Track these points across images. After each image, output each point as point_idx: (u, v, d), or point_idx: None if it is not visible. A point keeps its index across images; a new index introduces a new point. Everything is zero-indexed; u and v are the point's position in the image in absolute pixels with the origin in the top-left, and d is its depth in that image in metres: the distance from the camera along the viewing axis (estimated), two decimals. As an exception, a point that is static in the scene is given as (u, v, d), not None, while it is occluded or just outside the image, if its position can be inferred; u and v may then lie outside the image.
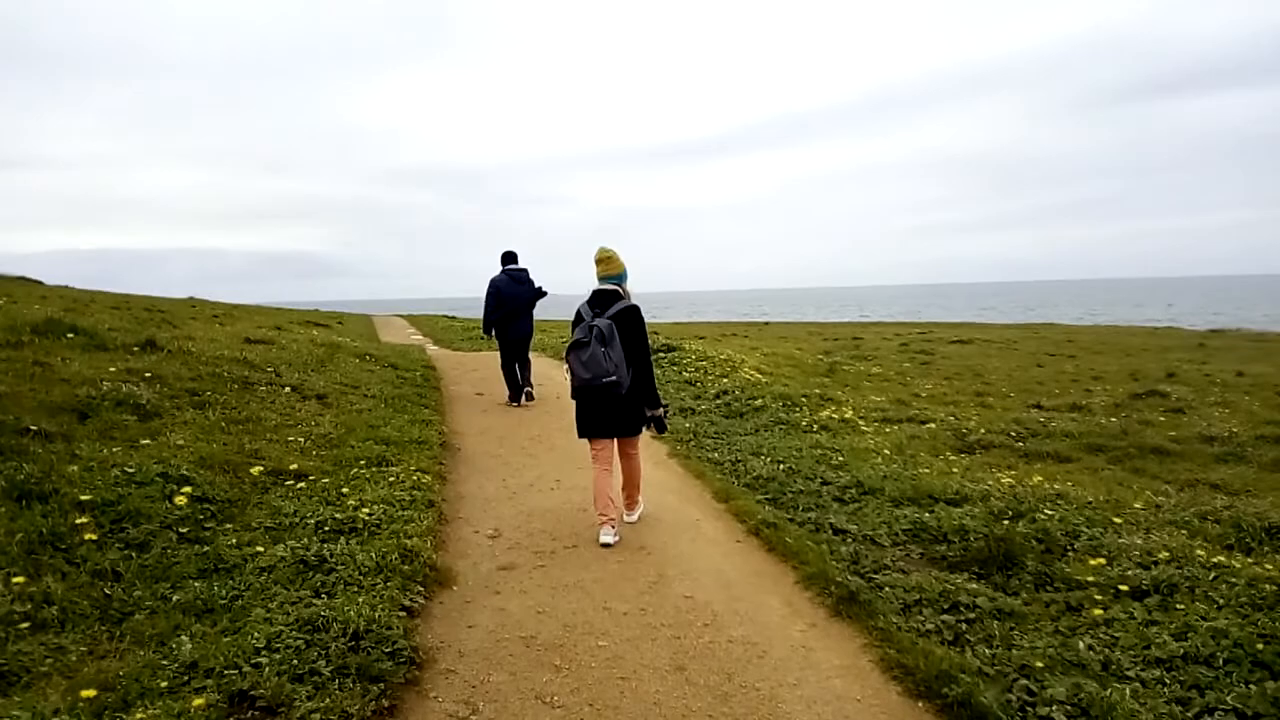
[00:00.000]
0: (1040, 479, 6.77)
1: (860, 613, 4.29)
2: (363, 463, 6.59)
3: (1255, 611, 4.00)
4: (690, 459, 7.86)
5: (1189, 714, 3.27)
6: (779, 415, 9.58)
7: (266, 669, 3.26)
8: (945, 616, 4.19)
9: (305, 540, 4.71)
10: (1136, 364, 18.70)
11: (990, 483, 6.52)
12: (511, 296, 10.75)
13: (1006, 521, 5.39)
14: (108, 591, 3.97)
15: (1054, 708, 3.28)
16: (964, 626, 4.09)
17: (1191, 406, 12.05)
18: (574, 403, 5.78)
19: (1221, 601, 4.16)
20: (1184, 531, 5.41)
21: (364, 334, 22.33)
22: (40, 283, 22.05)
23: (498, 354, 11.35)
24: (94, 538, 4.35)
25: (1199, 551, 4.81)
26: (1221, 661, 3.59)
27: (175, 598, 4.00)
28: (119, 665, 3.34)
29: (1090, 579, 4.54)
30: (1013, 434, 9.51)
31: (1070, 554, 4.98)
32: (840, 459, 7.39)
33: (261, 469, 5.95)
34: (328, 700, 3.14)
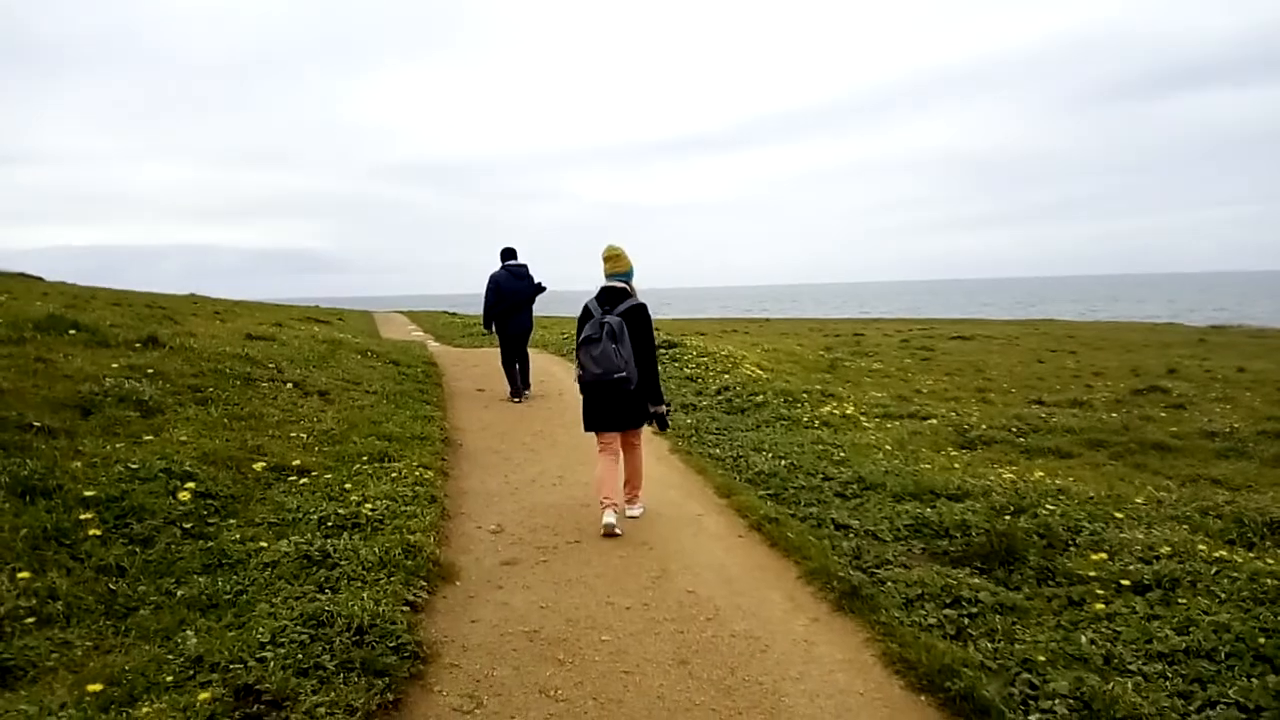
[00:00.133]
0: (1042, 474, 6.79)
1: (862, 607, 4.30)
2: (365, 459, 6.60)
3: (1257, 606, 4.01)
4: (692, 455, 7.87)
5: (1191, 708, 3.27)
6: (780, 411, 9.59)
7: (271, 663, 3.27)
8: (947, 611, 4.20)
9: (309, 536, 4.72)
10: (1137, 360, 18.71)
11: (992, 478, 6.53)
12: (511, 292, 10.80)
13: (1008, 516, 5.40)
14: (112, 587, 3.99)
15: (1056, 701, 3.29)
16: (966, 621, 4.09)
17: (1193, 402, 12.07)
18: (579, 397, 5.87)
19: (1223, 596, 4.18)
20: (1185, 526, 5.42)
21: (365, 330, 22.33)
22: (40, 279, 22.07)
23: (498, 350, 11.39)
24: (98, 533, 4.36)
25: (1200, 546, 4.82)
26: (1223, 655, 3.60)
27: (180, 593, 4.02)
28: (124, 660, 3.35)
29: (1092, 574, 4.55)
30: (1014, 430, 9.52)
31: (1072, 549, 4.99)
32: (842, 455, 7.40)
33: (264, 465, 5.96)
34: (333, 694, 3.15)
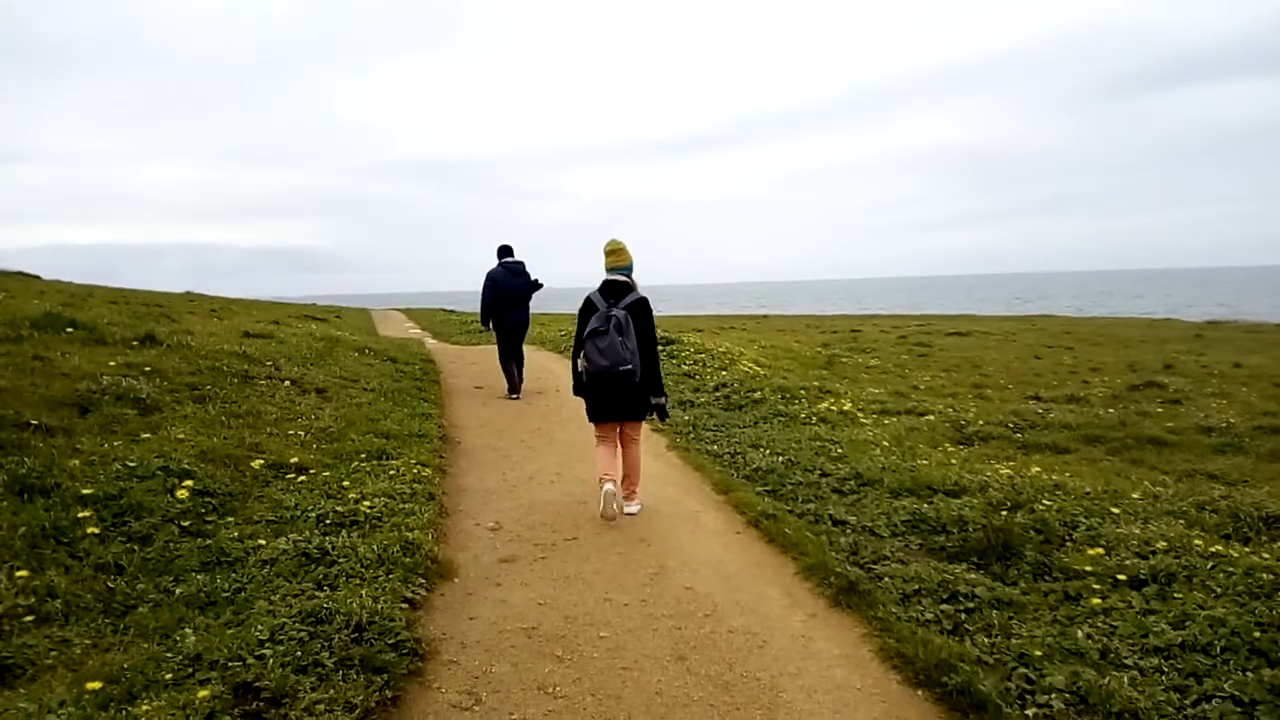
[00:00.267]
0: (1038, 470, 6.80)
1: (860, 603, 4.32)
2: (363, 456, 6.60)
3: (1252, 600, 4.03)
4: (689, 451, 7.88)
5: (1187, 701, 3.29)
6: (778, 408, 9.60)
7: (270, 661, 3.28)
8: (944, 606, 4.21)
9: (307, 533, 4.73)
10: (1134, 355, 18.74)
11: (989, 474, 6.54)
12: (508, 289, 10.84)
13: (1005, 512, 5.42)
14: (111, 585, 3.99)
15: (1053, 695, 3.30)
16: (963, 616, 4.11)
17: (1189, 397, 12.09)
18: (584, 389, 5.95)
19: (1219, 590, 4.19)
20: (1182, 521, 5.43)
21: (362, 328, 22.32)
22: (38, 278, 22.05)
23: (495, 347, 11.41)
24: (96, 531, 4.37)
25: (1197, 541, 4.83)
26: (1219, 649, 3.62)
27: (178, 591, 4.02)
28: (123, 658, 3.36)
29: (1088, 569, 4.57)
30: (1011, 425, 9.54)
31: (1069, 544, 5.00)
32: (839, 451, 7.41)
33: (262, 462, 5.97)
34: (332, 691, 3.16)
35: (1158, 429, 9.49)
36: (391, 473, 6.12)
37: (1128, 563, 4.59)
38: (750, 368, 12.55)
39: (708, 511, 6.05)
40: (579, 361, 5.90)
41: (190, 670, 3.27)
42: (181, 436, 6.06)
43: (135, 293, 22.00)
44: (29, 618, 3.55)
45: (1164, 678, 3.47)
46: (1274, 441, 8.88)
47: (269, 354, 10.39)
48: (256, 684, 3.12)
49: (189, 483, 5.17)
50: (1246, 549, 4.86)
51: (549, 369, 13.23)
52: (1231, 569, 4.38)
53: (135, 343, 9.09)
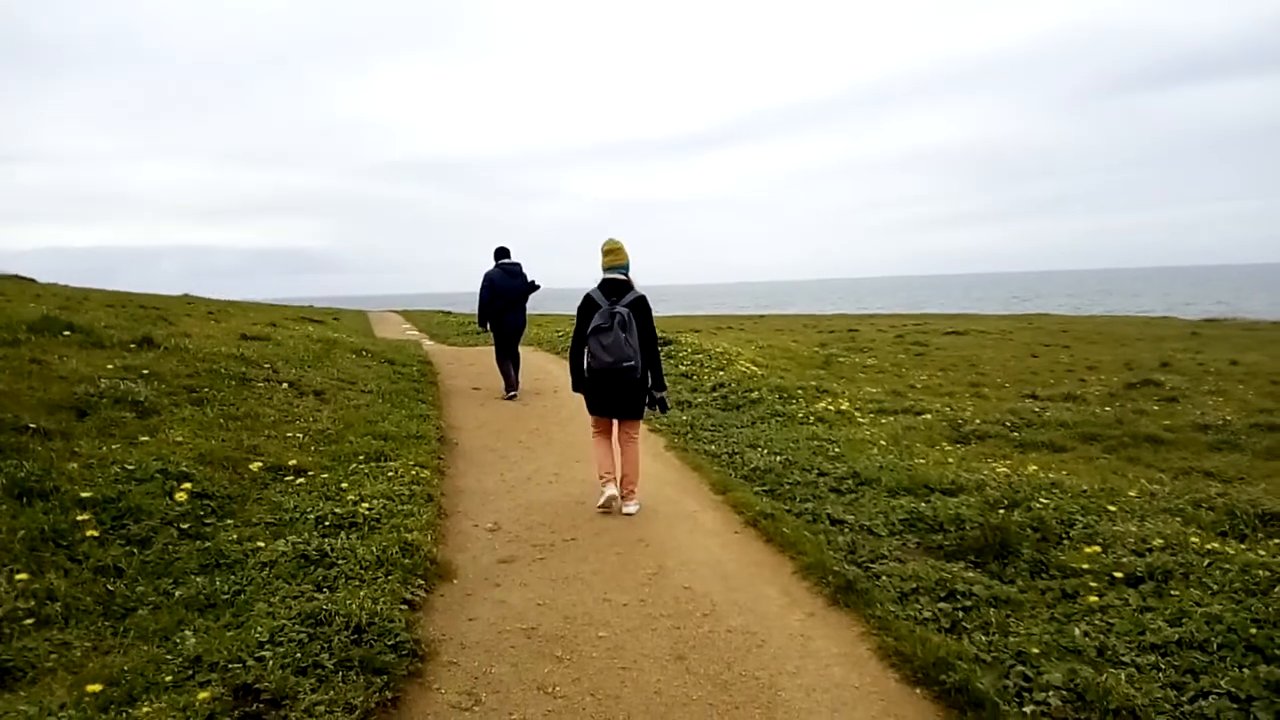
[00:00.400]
0: (1035, 468, 6.81)
1: (858, 601, 4.33)
2: (361, 458, 6.61)
3: (1249, 597, 4.04)
4: (687, 451, 7.89)
5: (1184, 698, 3.30)
6: (775, 407, 9.62)
7: (270, 662, 3.29)
8: (942, 604, 4.23)
9: (306, 535, 4.73)
10: (1131, 354, 18.77)
11: (986, 472, 6.56)
12: (506, 290, 10.92)
13: (1002, 510, 5.43)
14: (110, 587, 4.00)
15: (1050, 693, 3.32)
16: (961, 614, 4.13)
17: (1186, 395, 12.11)
18: (575, 396, 6.09)
19: (1216, 587, 4.20)
20: (1178, 519, 5.45)
21: (359, 329, 22.33)
22: (33, 281, 22.04)
23: (493, 348, 11.45)
24: (95, 534, 4.38)
25: (1193, 538, 4.85)
26: (1216, 646, 3.63)
27: (178, 593, 4.03)
28: (123, 660, 3.37)
29: (1085, 566, 4.58)
30: (1008, 424, 9.55)
31: (1065, 542, 5.02)
32: (837, 450, 7.43)
33: (261, 465, 5.97)
34: (331, 693, 3.17)
35: (1154, 427, 9.51)
36: (390, 474, 6.12)
37: (1124, 560, 4.61)
38: (748, 368, 12.57)
39: (706, 511, 6.06)
40: (584, 358, 5.99)
41: (190, 672, 3.28)
42: (180, 439, 6.07)
43: (132, 295, 22.00)
44: (29, 621, 3.56)
45: (1161, 674, 3.48)
46: (1270, 439, 8.90)
47: (267, 356, 10.40)
48: (256, 685, 3.12)
49: (188, 485, 5.17)
50: (1243, 546, 4.88)
51: (546, 370, 13.24)
52: (1228, 566, 4.39)
53: (133, 346, 9.09)
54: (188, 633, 3.61)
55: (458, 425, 9.10)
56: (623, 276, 5.99)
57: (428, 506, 5.60)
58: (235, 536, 4.74)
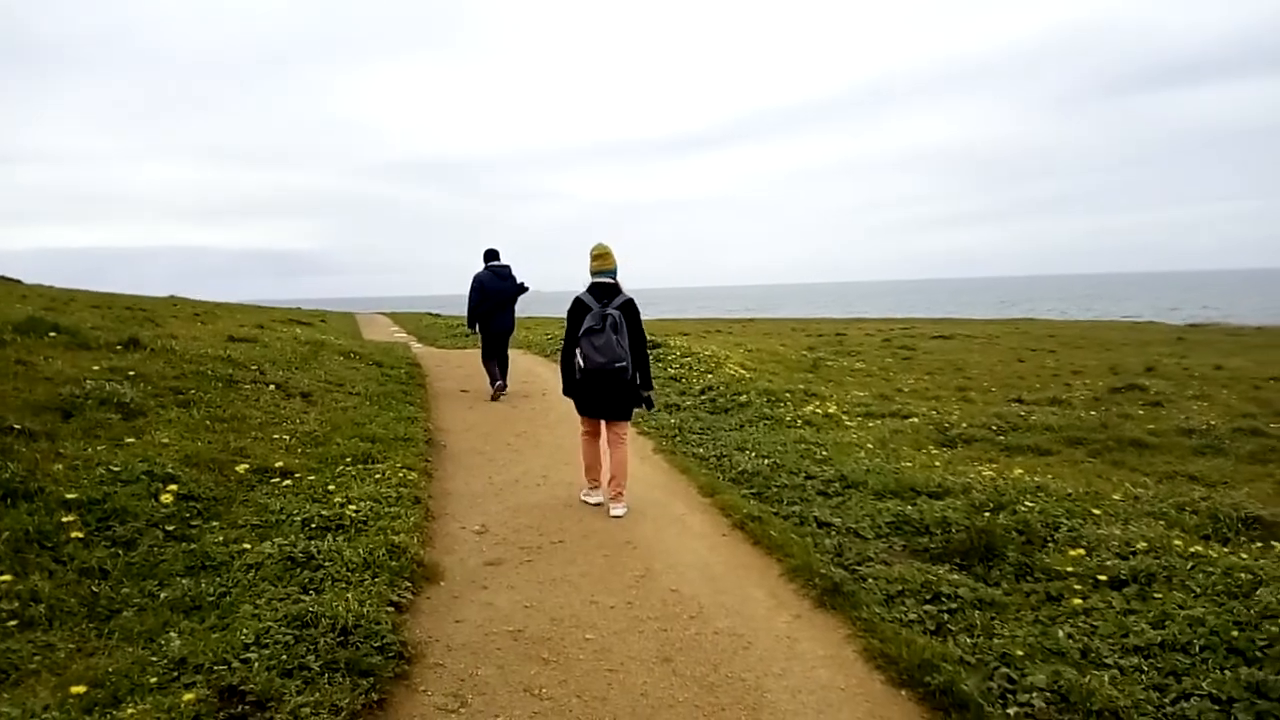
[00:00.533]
0: (1021, 472, 6.85)
1: (844, 604, 4.35)
2: (348, 460, 6.59)
3: (1231, 600, 4.07)
4: (676, 454, 7.90)
5: (1166, 700, 3.33)
6: (763, 411, 9.65)
7: (256, 664, 3.28)
8: (927, 607, 4.25)
9: (292, 537, 4.72)
10: (1116, 358, 18.87)
11: (972, 476, 6.59)
12: (495, 291, 11.00)
13: (987, 513, 5.46)
14: (95, 589, 3.98)
15: (1034, 695, 3.34)
16: (946, 616, 4.15)
17: (1170, 400, 12.18)
18: (563, 399, 6.20)
19: (1198, 590, 4.24)
20: (1162, 522, 5.49)
21: (347, 331, 22.27)
22: (19, 281, 21.90)
23: (480, 351, 11.49)
24: (80, 536, 4.36)
25: (1176, 542, 4.89)
26: (1198, 649, 3.66)
27: (163, 595, 4.02)
28: (108, 662, 3.35)
29: (1070, 569, 4.61)
30: (994, 428, 9.60)
31: (1050, 545, 5.05)
32: (824, 453, 7.45)
33: (247, 467, 5.95)
34: (317, 695, 3.16)
35: (1139, 431, 9.56)
36: (377, 476, 6.11)
37: (1108, 563, 4.64)
38: (736, 371, 12.59)
39: (694, 514, 6.07)
40: (576, 360, 6.06)
41: (175, 674, 3.27)
42: (165, 441, 6.04)
43: (118, 296, 21.89)
44: (13, 622, 3.54)
45: (1144, 676, 3.51)
46: (1253, 443, 8.96)
47: (253, 358, 10.36)
48: (242, 687, 3.11)
49: (173, 487, 5.15)
50: (1226, 549, 4.92)
51: (534, 372, 13.24)
52: (1211, 569, 4.43)
53: (119, 347, 9.05)
54: (173, 634, 3.60)
55: (445, 428, 9.09)
56: (611, 280, 6.10)
57: (415, 509, 5.59)
58: (221, 538, 4.73)
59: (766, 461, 7.19)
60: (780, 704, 3.48)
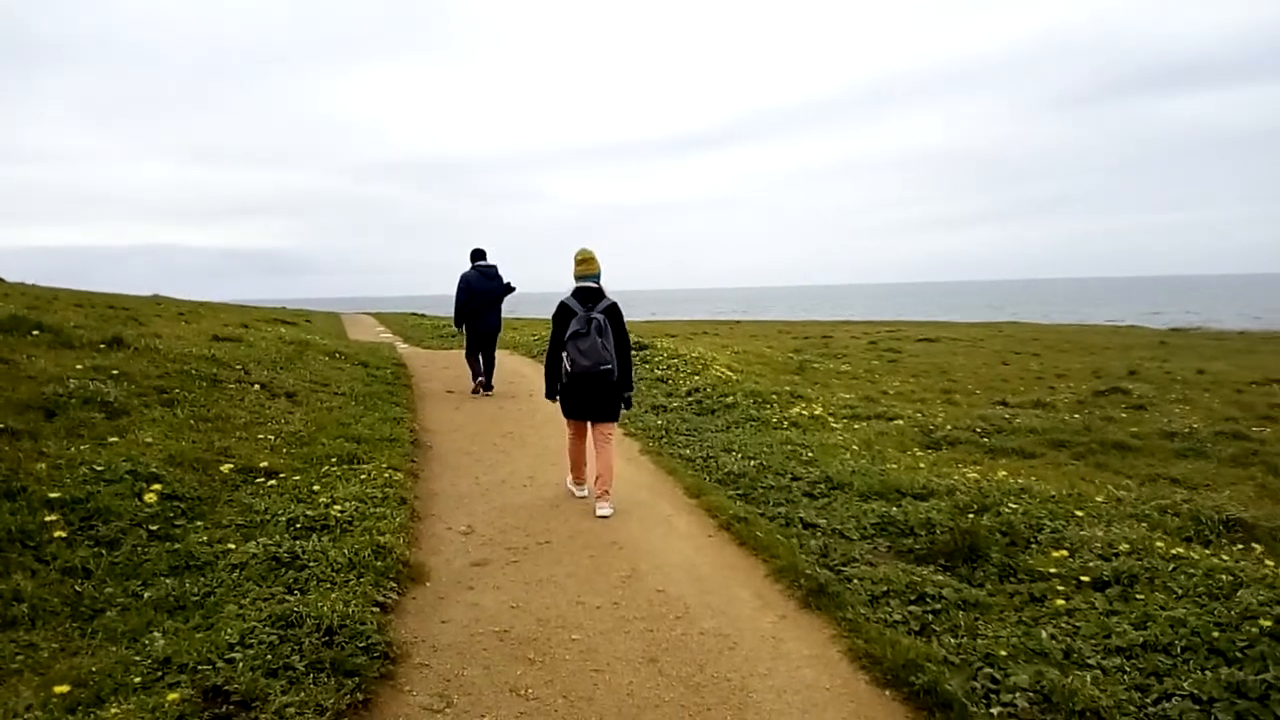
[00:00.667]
0: (1005, 474, 6.90)
1: (829, 604, 4.36)
2: (334, 460, 6.57)
3: (1212, 601, 4.11)
4: (662, 456, 7.91)
5: (1148, 700, 3.36)
6: (750, 412, 9.67)
7: (240, 664, 3.27)
8: (912, 607, 4.27)
9: (277, 537, 4.70)
10: (1100, 362, 19.01)
11: (956, 477, 6.63)
12: (482, 291, 11.09)
13: (972, 515, 5.49)
14: (78, 589, 3.96)
15: (1017, 695, 3.36)
16: (930, 617, 4.17)
17: (1153, 403, 12.29)
18: (563, 389, 6.20)
19: (1180, 591, 4.27)
20: (1144, 524, 5.53)
21: (332, 332, 22.18)
22: (1, 280, 21.70)
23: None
24: (63, 535, 4.33)
25: (1158, 543, 4.93)
26: (1179, 649, 3.69)
27: (147, 595, 3.99)
28: (91, 662, 3.33)
29: (1053, 570, 4.65)
30: (978, 430, 9.66)
31: (1034, 546, 5.08)
32: (810, 455, 7.47)
33: (231, 467, 5.92)
34: (302, 695, 3.15)
35: (1122, 434, 9.65)
36: (363, 477, 6.10)
37: (1091, 565, 4.67)
38: (723, 373, 12.61)
39: (680, 515, 6.08)
40: (559, 364, 6.15)
41: (159, 673, 3.25)
42: (149, 440, 6.01)
43: (101, 295, 21.73)
44: (-6, 622, 3.52)
45: (1126, 677, 3.53)
46: (1235, 446, 9.06)
47: (238, 358, 10.31)
48: (226, 687, 3.10)
49: (157, 487, 5.13)
50: (1207, 551, 4.97)
51: (521, 373, 13.22)
52: (1192, 571, 4.47)
53: (102, 346, 8.99)
54: (156, 634, 3.58)
55: (432, 428, 9.07)
56: (595, 284, 6.17)
57: (401, 509, 5.58)
58: (205, 538, 4.71)
59: (753, 463, 7.21)
60: (765, 704, 3.49)
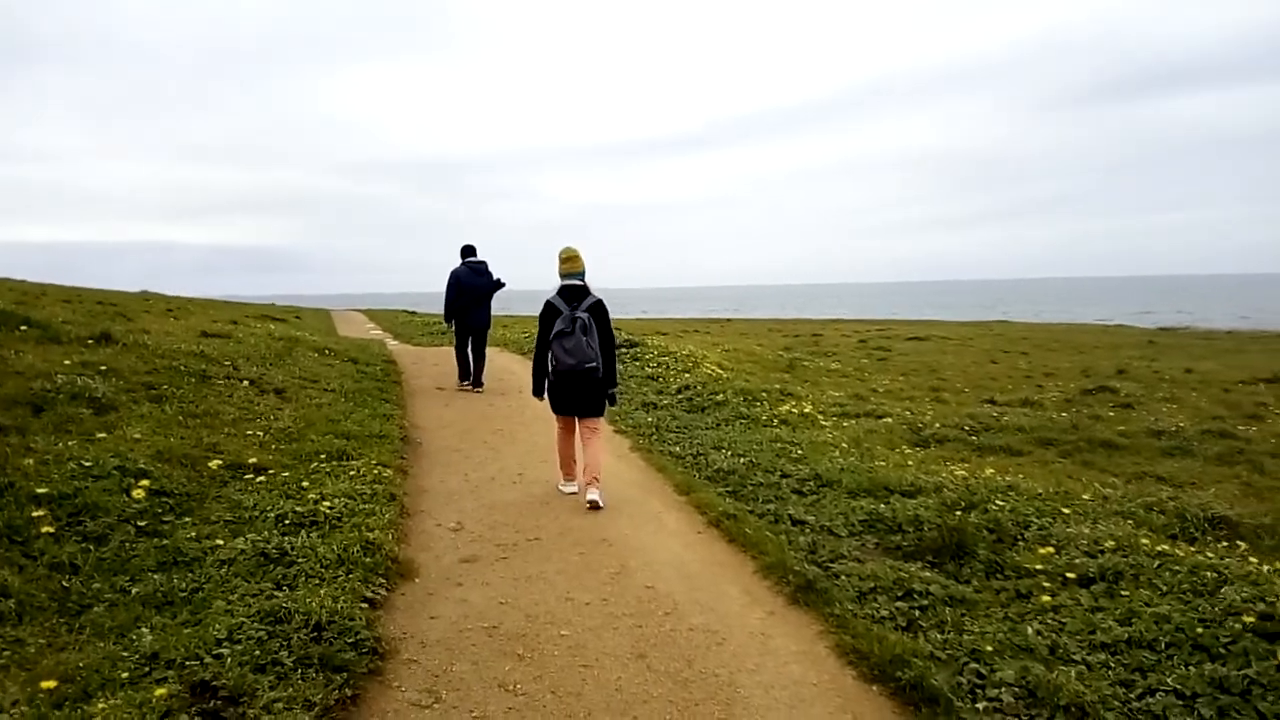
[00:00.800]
0: (992, 471, 6.92)
1: (817, 600, 4.38)
2: (323, 457, 6.57)
3: (1196, 597, 4.14)
4: (652, 453, 7.92)
5: (1132, 695, 3.38)
6: (740, 410, 9.68)
7: (228, 660, 3.27)
8: (899, 603, 4.29)
9: (265, 534, 4.70)
10: (1088, 361, 19.10)
11: (944, 475, 6.65)
12: (471, 287, 11.18)
13: (959, 512, 5.52)
14: (66, 584, 3.95)
15: (1003, 690, 3.38)
16: (917, 613, 4.19)
17: (1140, 402, 12.35)
18: (550, 387, 6.33)
19: (1165, 588, 4.30)
20: (1130, 522, 5.56)
21: (322, 329, 22.14)
22: (-12, 275, 21.56)
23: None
24: (51, 530, 4.32)
25: (1144, 541, 4.95)
26: (1164, 645, 3.71)
27: (135, 590, 3.99)
28: (79, 657, 3.33)
29: (1039, 567, 4.67)
30: (966, 428, 9.69)
31: (1020, 543, 5.11)
32: (799, 452, 7.50)
33: (220, 463, 5.91)
34: (290, 690, 3.16)
35: (1109, 432, 9.69)
36: (352, 473, 6.09)
37: (1077, 561, 4.70)
38: (713, 370, 12.62)
39: (669, 512, 6.09)
40: (547, 361, 6.25)
41: (147, 669, 3.25)
42: (138, 436, 5.99)
43: (90, 291, 21.64)
44: (-19, 617, 3.51)
45: (1110, 672, 3.56)
46: (1221, 445, 9.11)
47: (227, 354, 10.28)
48: (214, 682, 3.10)
49: (145, 482, 5.11)
50: (1192, 548, 5.00)
51: (511, 370, 13.22)
52: (1177, 568, 4.49)
53: (90, 341, 8.95)
54: (144, 630, 3.57)
55: (421, 425, 9.06)
56: (580, 282, 6.26)
57: (390, 505, 5.58)
58: (194, 534, 4.70)
59: (742, 460, 7.23)
60: (753, 699, 3.51)
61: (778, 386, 11.72)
